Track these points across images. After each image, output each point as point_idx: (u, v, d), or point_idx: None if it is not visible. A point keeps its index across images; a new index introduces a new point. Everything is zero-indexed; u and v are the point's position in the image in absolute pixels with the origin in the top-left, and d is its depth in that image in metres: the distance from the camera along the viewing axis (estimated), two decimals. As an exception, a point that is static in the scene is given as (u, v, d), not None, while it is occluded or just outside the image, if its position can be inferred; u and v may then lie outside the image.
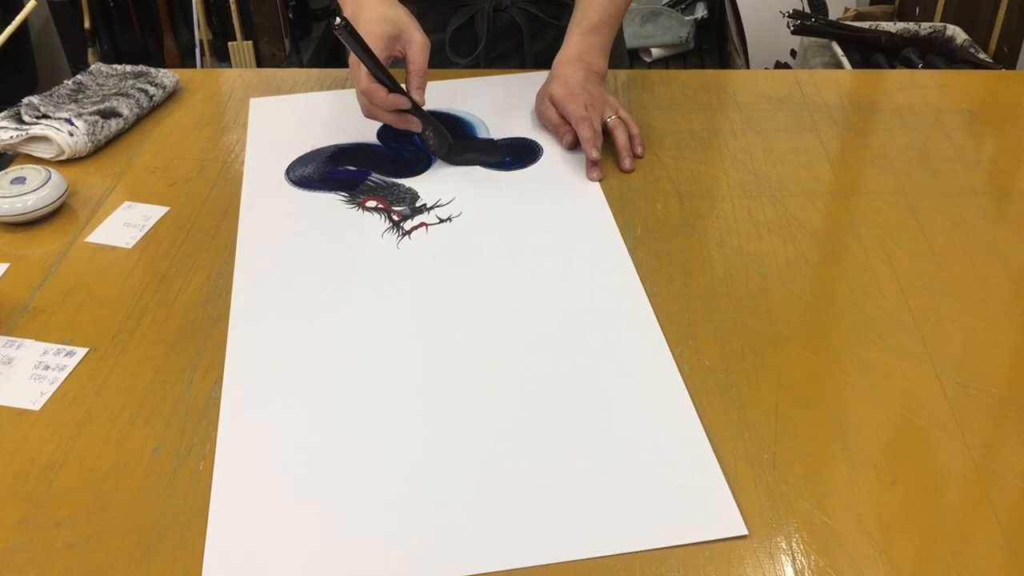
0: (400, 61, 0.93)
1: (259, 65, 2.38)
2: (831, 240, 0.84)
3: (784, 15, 2.13)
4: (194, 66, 2.37)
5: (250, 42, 2.34)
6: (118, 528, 0.57)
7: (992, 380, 0.68)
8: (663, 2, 2.90)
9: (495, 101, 1.07)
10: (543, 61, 1.05)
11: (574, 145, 0.96)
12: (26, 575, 0.55)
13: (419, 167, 0.95)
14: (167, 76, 1.10)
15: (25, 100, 1.00)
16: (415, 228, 0.86)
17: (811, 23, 2.09)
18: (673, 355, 0.70)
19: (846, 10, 2.40)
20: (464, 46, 1.16)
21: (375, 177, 0.94)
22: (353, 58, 0.87)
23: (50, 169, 0.89)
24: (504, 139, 1.00)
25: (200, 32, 2.32)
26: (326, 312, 0.75)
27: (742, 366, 0.69)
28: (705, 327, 0.73)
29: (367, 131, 1.01)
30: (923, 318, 0.74)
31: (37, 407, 0.67)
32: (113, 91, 1.05)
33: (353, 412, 0.66)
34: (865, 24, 2.12)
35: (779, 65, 2.52)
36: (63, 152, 0.96)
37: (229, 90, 1.13)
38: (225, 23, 2.38)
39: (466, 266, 0.81)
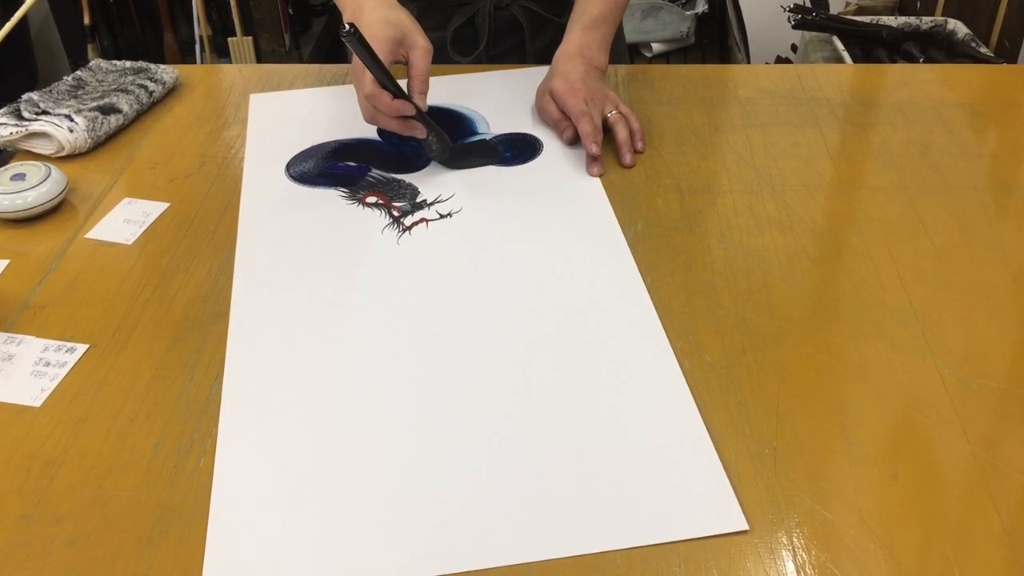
0: (399, 64, 0.93)
1: (259, 61, 2.37)
2: (832, 235, 0.84)
3: (785, 9, 2.12)
4: (194, 62, 2.37)
5: (250, 38, 2.34)
6: (119, 525, 0.57)
7: (993, 375, 0.68)
8: (663, -3, 2.89)
9: (495, 97, 1.06)
10: (544, 58, 1.05)
11: (574, 140, 0.96)
12: (27, 572, 0.55)
13: (419, 163, 0.95)
14: (167, 72, 1.10)
15: (25, 96, 1.00)
16: (415, 224, 0.86)
17: (812, 17, 2.08)
18: (674, 350, 0.70)
19: (847, 4, 2.39)
20: (465, 45, 1.16)
21: (375, 173, 0.94)
22: (356, 63, 0.86)
23: (50, 165, 0.89)
24: (504, 135, 1.00)
25: (200, 28, 2.32)
26: (326, 308, 0.75)
27: (743, 361, 0.69)
28: (706, 322, 0.73)
29: (367, 127, 1.00)
30: (924, 313, 0.74)
31: (38, 404, 0.67)
32: (113, 87, 1.05)
33: (353, 408, 0.66)
34: (866, 18, 2.11)
35: (780, 60, 2.52)
36: (63, 148, 0.96)
37: (229, 86, 1.13)
38: (225, 19, 2.37)
39: (466, 262, 0.80)
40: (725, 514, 0.57)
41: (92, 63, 1.12)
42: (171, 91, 1.10)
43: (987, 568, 0.54)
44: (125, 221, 0.87)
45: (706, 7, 2.90)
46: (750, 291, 0.76)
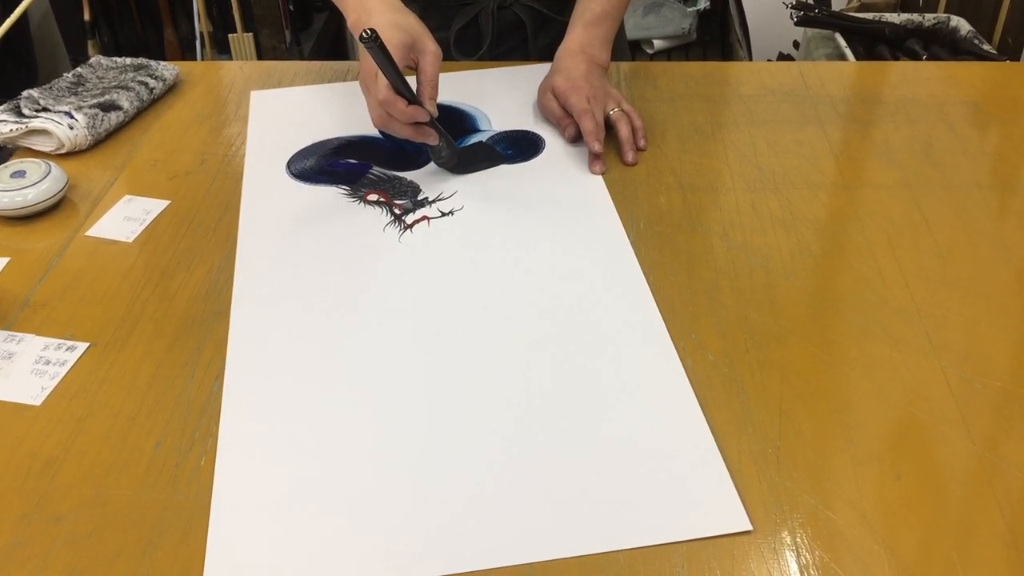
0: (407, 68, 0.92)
1: (260, 57, 2.37)
2: (835, 233, 0.83)
3: (787, 6, 2.12)
4: (194, 58, 2.36)
5: (250, 34, 2.33)
6: (119, 524, 0.57)
7: (997, 373, 0.67)
8: (665, -7, 2.88)
9: (497, 94, 1.06)
10: (547, 57, 1.04)
11: (576, 138, 0.96)
12: (27, 571, 0.55)
13: (421, 160, 0.95)
14: (167, 69, 1.10)
15: (25, 93, 1.00)
16: (417, 222, 0.86)
17: (814, 14, 2.08)
18: (676, 349, 0.70)
19: (849, 1, 2.38)
20: (468, 45, 1.16)
21: (377, 170, 0.93)
22: (367, 67, 0.85)
23: (50, 163, 0.88)
24: (506, 132, 0.99)
25: (200, 24, 2.31)
26: (328, 307, 0.75)
27: (745, 360, 0.69)
28: (708, 321, 0.73)
29: (369, 124, 0.99)
30: (927, 311, 0.73)
31: (38, 402, 0.66)
32: (113, 84, 1.05)
33: (354, 406, 0.66)
34: (869, 15, 2.11)
35: (782, 57, 2.51)
36: (63, 145, 0.95)
37: (230, 83, 1.13)
38: (225, 15, 2.37)
39: (468, 260, 0.80)
40: (728, 514, 0.57)
41: (92, 60, 1.12)
42: (171, 88, 1.10)
43: (990, 568, 0.54)
44: (125, 219, 0.87)
45: (708, 4, 2.89)
46: (753, 289, 0.76)
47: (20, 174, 0.86)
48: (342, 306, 0.75)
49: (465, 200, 0.88)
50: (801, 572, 0.54)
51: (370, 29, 0.77)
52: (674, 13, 2.83)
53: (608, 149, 0.94)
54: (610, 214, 0.86)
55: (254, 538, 0.56)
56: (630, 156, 0.93)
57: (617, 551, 0.55)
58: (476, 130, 1.00)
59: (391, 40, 0.83)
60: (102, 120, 0.98)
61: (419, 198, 0.89)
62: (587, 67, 0.98)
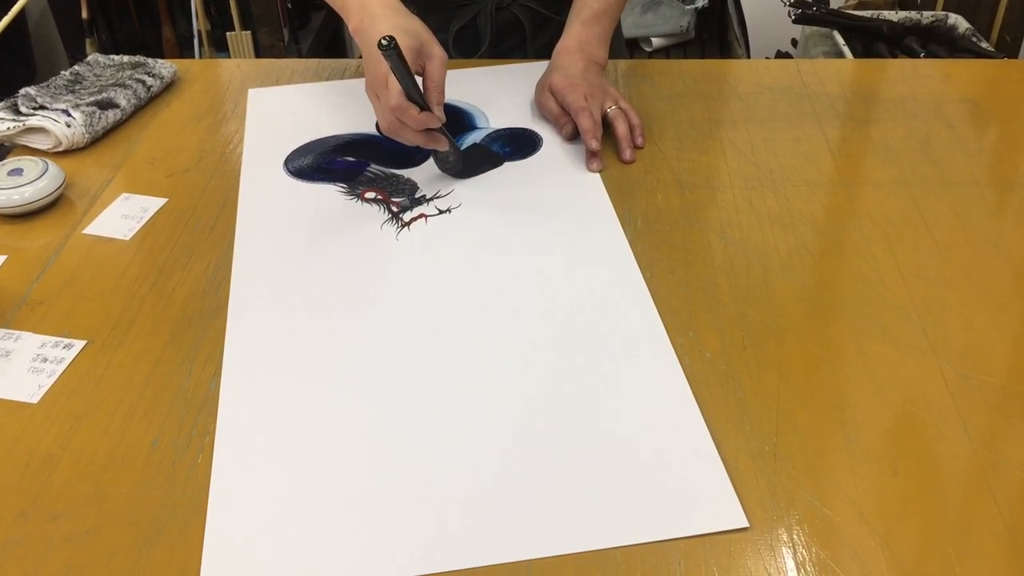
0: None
1: (258, 55, 2.37)
2: (833, 231, 0.83)
3: (785, 4, 2.12)
4: (192, 56, 2.36)
5: (249, 32, 2.33)
6: (117, 521, 0.57)
7: (994, 371, 0.67)
8: (663, -9, 2.88)
9: (494, 91, 1.06)
10: (545, 57, 1.04)
11: (574, 136, 0.96)
12: (24, 569, 0.55)
13: (418, 158, 0.94)
14: (165, 67, 1.10)
15: (22, 91, 1.00)
16: (414, 219, 0.86)
17: (812, 12, 2.08)
18: (674, 347, 0.70)
19: (847, -1, 2.38)
20: (467, 45, 1.16)
21: (374, 168, 0.93)
22: (377, 73, 0.83)
23: (47, 160, 0.88)
24: (503, 130, 0.99)
25: (198, 22, 2.31)
26: (325, 304, 0.75)
27: (743, 358, 0.69)
28: (706, 319, 0.73)
29: (366, 122, 1.00)
30: (925, 309, 0.73)
31: (35, 400, 0.66)
32: (110, 82, 1.05)
33: (351, 404, 0.66)
34: (867, 13, 2.11)
35: (780, 54, 2.51)
36: (60, 143, 0.95)
37: (227, 81, 1.13)
38: (223, 13, 2.36)
39: (465, 258, 0.80)
40: (725, 511, 0.57)
41: (90, 58, 1.12)
42: (169, 86, 1.10)
43: (988, 565, 0.54)
44: (123, 216, 0.87)
45: (706, 2, 2.89)
46: (750, 287, 0.76)
47: (17, 172, 0.86)
48: (339, 304, 0.75)
49: (462, 198, 0.88)
50: (798, 569, 0.54)
51: (389, 36, 0.76)
52: (672, 11, 2.83)
53: (606, 147, 0.94)
54: (608, 212, 0.85)
55: (251, 535, 0.56)
56: (628, 154, 0.93)
57: (614, 548, 0.55)
58: (473, 128, 1.00)
59: (402, 45, 0.82)
60: (99, 118, 0.98)
61: (417, 196, 0.89)
62: (585, 65, 0.98)
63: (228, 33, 2.32)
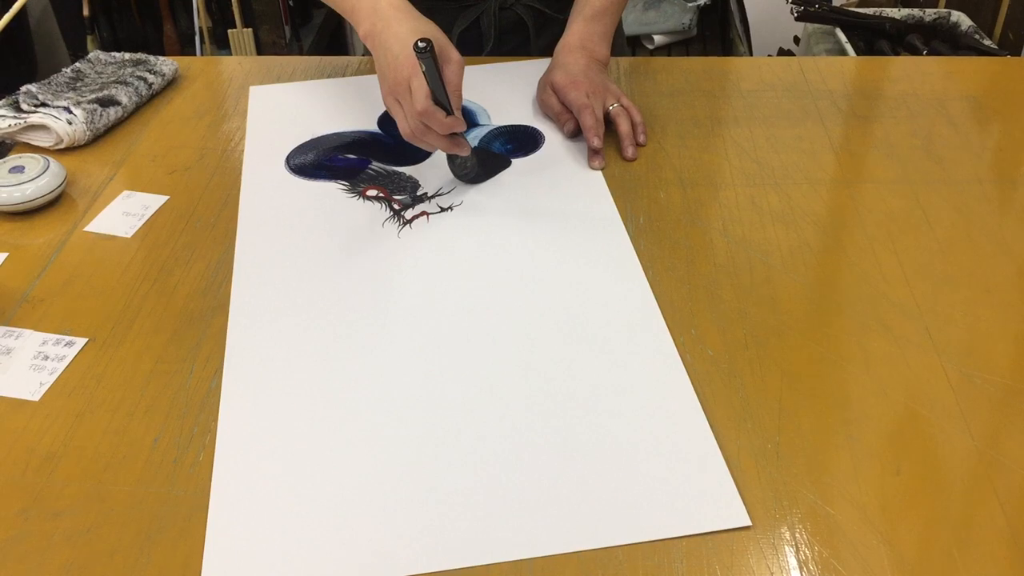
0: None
1: (259, 53, 2.36)
2: (835, 228, 0.83)
3: (787, 1, 2.12)
4: (194, 54, 2.36)
5: (250, 29, 2.33)
6: (118, 519, 0.57)
7: (997, 369, 0.67)
8: (665, -12, 2.88)
9: (496, 89, 1.06)
10: (548, 56, 1.04)
11: (576, 133, 0.96)
12: (25, 566, 0.55)
13: (420, 155, 0.94)
14: (166, 64, 1.10)
15: (23, 88, 1.00)
16: (416, 217, 0.85)
17: (815, 9, 2.08)
18: (676, 345, 0.70)
19: (849, -4, 2.38)
20: (471, 46, 1.15)
21: (376, 165, 0.93)
22: (399, 79, 0.82)
23: (49, 158, 0.88)
24: (505, 127, 0.99)
25: (200, 19, 2.31)
26: (327, 302, 0.75)
27: (745, 356, 0.69)
28: (708, 316, 0.73)
29: (368, 119, 1.00)
30: (928, 307, 0.73)
31: (36, 397, 0.66)
32: (112, 79, 1.05)
33: (353, 402, 0.66)
34: (869, 10, 2.10)
35: (782, 52, 2.51)
36: (62, 141, 0.95)
37: (229, 78, 1.12)
38: (225, 10, 2.36)
39: (467, 255, 0.80)
40: (727, 509, 0.57)
41: (91, 55, 1.11)
42: (170, 83, 1.10)
43: (990, 563, 0.54)
44: (124, 214, 0.87)
45: (708, -1, 2.88)
46: (752, 285, 0.76)
47: (19, 169, 0.86)
48: (340, 301, 0.75)
49: (464, 196, 0.88)
50: (800, 568, 0.54)
51: (426, 39, 0.75)
52: (674, 8, 2.83)
53: (607, 144, 0.94)
54: (609, 209, 0.85)
55: (252, 533, 0.56)
56: (630, 151, 0.93)
57: (616, 547, 0.55)
58: (475, 125, 1.00)
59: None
60: (101, 115, 0.98)
61: (418, 193, 0.89)
62: (586, 62, 0.97)
63: (229, 30, 2.32)
